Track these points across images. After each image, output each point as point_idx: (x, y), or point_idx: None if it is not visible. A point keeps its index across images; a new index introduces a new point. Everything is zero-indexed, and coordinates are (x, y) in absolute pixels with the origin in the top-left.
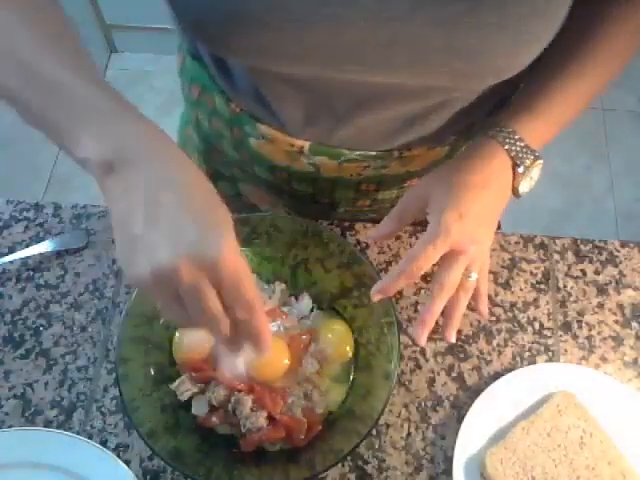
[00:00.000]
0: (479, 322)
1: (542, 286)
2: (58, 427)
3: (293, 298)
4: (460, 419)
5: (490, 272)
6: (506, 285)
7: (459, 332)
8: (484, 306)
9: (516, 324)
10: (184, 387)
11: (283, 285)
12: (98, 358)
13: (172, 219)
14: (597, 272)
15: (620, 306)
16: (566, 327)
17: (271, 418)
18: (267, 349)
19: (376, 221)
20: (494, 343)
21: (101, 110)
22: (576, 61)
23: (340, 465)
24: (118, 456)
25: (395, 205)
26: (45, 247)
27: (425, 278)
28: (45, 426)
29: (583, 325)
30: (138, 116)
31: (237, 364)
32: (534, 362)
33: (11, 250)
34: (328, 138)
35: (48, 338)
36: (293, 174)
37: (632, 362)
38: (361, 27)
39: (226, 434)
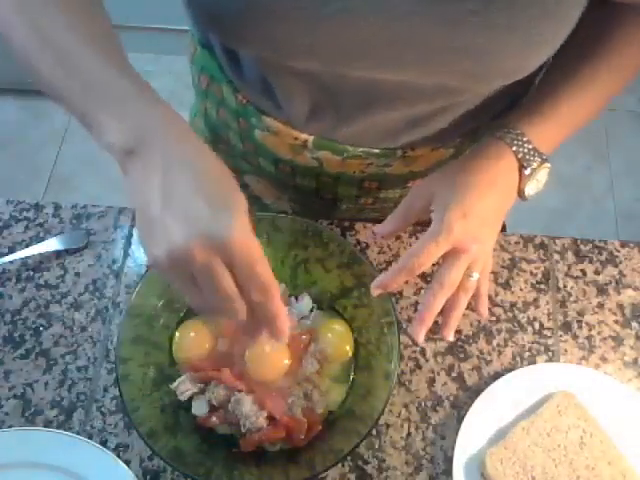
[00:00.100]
0: (479, 322)
1: (542, 286)
2: (58, 427)
3: (293, 298)
4: (460, 419)
5: (490, 272)
6: (506, 285)
7: (459, 332)
8: (484, 307)
9: (516, 324)
10: (184, 387)
11: (283, 285)
12: (98, 358)
13: (187, 202)
14: (597, 272)
15: (620, 306)
16: (566, 327)
17: (271, 418)
18: (283, 334)
19: (378, 221)
20: (494, 343)
21: (124, 96)
22: (590, 65)
23: (340, 465)
24: (118, 456)
25: (399, 205)
26: (45, 247)
27: (425, 278)
28: (45, 426)
29: (583, 325)
30: (158, 101)
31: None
32: (534, 362)
33: (11, 250)
34: (332, 133)
35: (48, 338)
36: (297, 168)
37: (632, 362)
38: (370, 23)
39: (226, 434)
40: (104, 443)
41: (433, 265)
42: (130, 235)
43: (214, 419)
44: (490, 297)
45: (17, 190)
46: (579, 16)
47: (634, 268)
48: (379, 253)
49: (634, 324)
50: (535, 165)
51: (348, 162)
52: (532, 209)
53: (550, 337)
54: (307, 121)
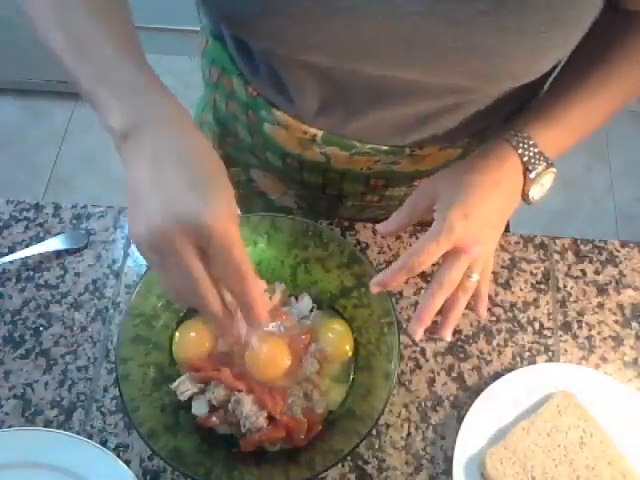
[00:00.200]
0: (479, 322)
1: (542, 286)
2: (58, 427)
3: (293, 298)
4: (460, 419)
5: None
6: (506, 285)
7: (459, 332)
8: (483, 308)
9: (516, 324)
10: (184, 387)
11: (283, 285)
12: (98, 358)
13: (170, 185)
14: (597, 272)
15: (620, 306)
16: (566, 327)
17: (271, 418)
18: (261, 321)
19: (381, 220)
20: (494, 343)
21: (131, 84)
22: (600, 71)
23: (340, 465)
24: (118, 456)
25: (404, 203)
26: (45, 247)
27: (425, 277)
28: (45, 426)
29: (583, 325)
30: (164, 93)
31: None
32: (534, 362)
33: (11, 250)
34: (341, 129)
35: (48, 338)
36: (304, 163)
37: (632, 362)
38: (379, 21)
39: (226, 434)
40: (104, 443)
41: (433, 265)
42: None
43: (214, 419)
44: (490, 297)
45: (17, 190)
46: (591, 22)
47: (634, 268)
48: (379, 253)
49: (634, 324)
50: (540, 169)
51: (356, 158)
52: (532, 209)
53: (550, 337)
54: (316, 115)
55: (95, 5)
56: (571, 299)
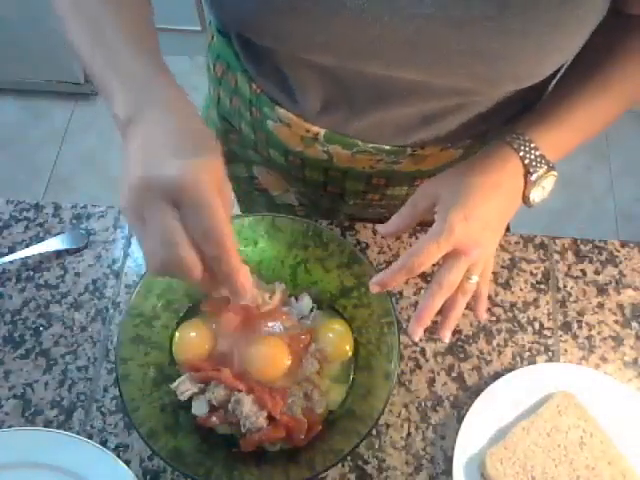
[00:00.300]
0: (479, 322)
1: (542, 286)
2: (58, 427)
3: (293, 298)
4: (460, 419)
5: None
6: (506, 285)
7: (459, 332)
8: (482, 309)
9: (516, 324)
10: (184, 387)
11: (283, 285)
12: (98, 358)
13: (154, 154)
14: (597, 272)
15: (620, 306)
16: (566, 327)
17: (271, 418)
18: (244, 291)
19: (381, 220)
20: (494, 343)
21: (139, 74)
22: (603, 74)
23: (340, 465)
24: (118, 456)
25: (405, 203)
26: (45, 247)
27: (425, 278)
28: (45, 426)
29: (583, 325)
30: (171, 85)
31: None
32: (534, 362)
33: (11, 250)
34: (344, 127)
35: (48, 338)
36: (306, 160)
37: (632, 362)
38: (385, 22)
39: (226, 434)
40: (104, 443)
41: (434, 265)
42: (130, 235)
43: (214, 419)
44: (490, 297)
45: (17, 190)
46: (594, 27)
47: (634, 268)
48: (379, 253)
49: (634, 324)
50: (541, 172)
51: (358, 157)
52: (532, 209)
53: (550, 337)
54: (319, 114)
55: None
56: (571, 299)
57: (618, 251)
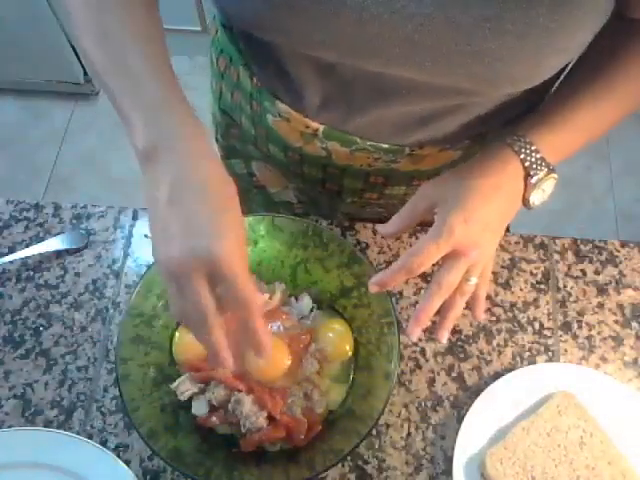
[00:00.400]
0: (479, 322)
1: (542, 286)
2: (58, 427)
3: (293, 298)
4: (460, 419)
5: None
6: (506, 285)
7: (459, 332)
8: (480, 311)
9: (516, 324)
10: (184, 387)
11: (283, 285)
12: (98, 358)
13: (187, 217)
14: (597, 272)
15: (620, 306)
16: (566, 327)
17: (271, 418)
18: (267, 349)
19: (380, 220)
20: (494, 343)
21: (157, 105)
22: (606, 77)
23: (340, 465)
24: (118, 456)
25: (403, 203)
26: (45, 247)
27: (425, 278)
28: (45, 426)
29: (583, 325)
30: (188, 115)
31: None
32: (534, 362)
33: (11, 250)
34: (343, 124)
35: (48, 338)
36: (305, 156)
37: (632, 362)
38: (384, 21)
39: (226, 434)
40: (104, 443)
41: (433, 265)
42: (130, 235)
43: (214, 419)
44: (490, 297)
45: (17, 190)
46: (596, 31)
47: (634, 268)
48: (379, 253)
49: (634, 324)
50: (541, 175)
51: (356, 155)
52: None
53: (550, 337)
54: (319, 110)
55: (134, 27)
56: (571, 299)
57: (618, 251)
